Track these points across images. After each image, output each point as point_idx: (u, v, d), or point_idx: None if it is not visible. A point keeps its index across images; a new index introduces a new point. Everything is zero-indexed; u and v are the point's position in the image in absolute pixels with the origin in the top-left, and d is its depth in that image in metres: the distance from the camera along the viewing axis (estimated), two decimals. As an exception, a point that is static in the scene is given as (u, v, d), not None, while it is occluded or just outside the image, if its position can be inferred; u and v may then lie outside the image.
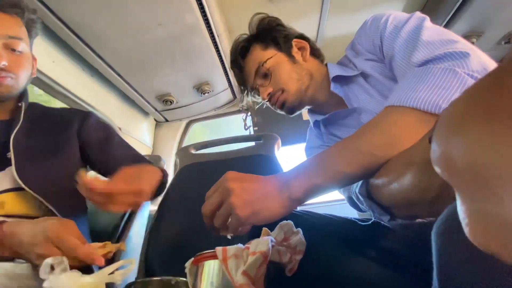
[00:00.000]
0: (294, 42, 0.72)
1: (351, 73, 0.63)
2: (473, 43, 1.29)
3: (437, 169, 0.13)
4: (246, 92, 0.80)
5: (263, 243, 0.34)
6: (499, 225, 0.11)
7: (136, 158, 0.77)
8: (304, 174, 0.40)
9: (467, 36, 1.26)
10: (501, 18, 1.21)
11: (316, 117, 0.73)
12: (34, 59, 0.73)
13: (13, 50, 0.64)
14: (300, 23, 1.32)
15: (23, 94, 0.73)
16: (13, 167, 0.62)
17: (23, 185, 0.60)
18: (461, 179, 0.12)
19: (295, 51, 0.72)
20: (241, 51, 0.76)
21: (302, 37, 0.75)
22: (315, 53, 0.75)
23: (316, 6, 1.26)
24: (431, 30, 0.49)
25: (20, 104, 0.70)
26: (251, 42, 0.75)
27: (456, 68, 0.39)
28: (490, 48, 1.37)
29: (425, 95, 0.38)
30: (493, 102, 0.11)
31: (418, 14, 0.54)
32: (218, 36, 1.20)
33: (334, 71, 0.65)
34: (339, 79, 0.65)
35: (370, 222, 0.49)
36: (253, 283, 0.30)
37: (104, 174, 0.76)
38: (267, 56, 0.71)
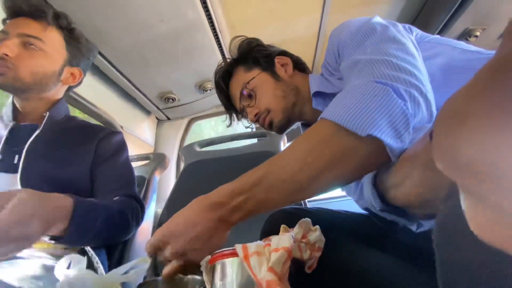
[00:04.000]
0: (277, 59, 0.71)
1: (331, 90, 0.60)
2: (476, 37, 1.29)
3: (439, 165, 0.13)
4: (234, 115, 0.80)
5: (285, 239, 0.33)
6: (502, 219, 0.11)
7: (124, 184, 0.74)
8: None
9: (470, 30, 1.26)
10: (504, 12, 1.21)
11: None
12: (75, 71, 0.79)
13: (28, 45, 0.68)
14: (302, 19, 1.32)
15: (56, 106, 0.76)
16: (19, 173, 0.64)
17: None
18: (463, 174, 0.12)
19: (278, 68, 0.70)
20: (224, 75, 0.76)
21: (284, 53, 0.74)
22: (300, 67, 0.73)
23: (318, 2, 1.25)
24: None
25: (45, 114, 0.73)
26: (234, 66, 0.75)
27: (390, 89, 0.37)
28: (493, 42, 1.37)
29: (349, 112, 0.37)
30: (492, 97, 0.10)
31: (373, 22, 0.49)
32: (220, 32, 1.19)
33: (315, 85, 0.63)
34: (320, 95, 0.63)
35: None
36: (279, 279, 0.29)
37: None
38: (250, 77, 0.70)
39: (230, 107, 0.78)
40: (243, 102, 0.71)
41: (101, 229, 0.58)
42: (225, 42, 1.24)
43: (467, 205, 0.13)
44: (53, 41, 0.72)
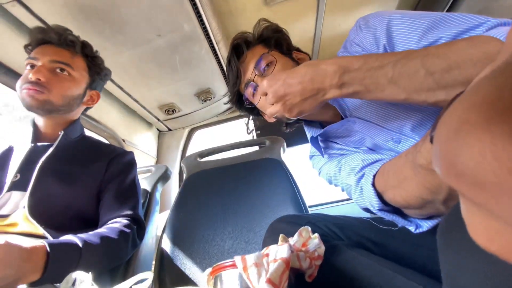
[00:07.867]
0: (294, 53, 0.73)
1: None
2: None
3: (438, 171, 0.13)
4: (235, 89, 0.75)
5: (283, 249, 0.33)
6: (499, 227, 0.11)
7: (125, 204, 0.74)
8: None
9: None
10: (498, 7, 1.21)
11: (312, 132, 0.70)
12: (94, 93, 0.86)
13: (58, 71, 0.75)
14: (297, 25, 1.33)
15: (72, 125, 0.81)
16: (28, 190, 0.66)
17: (26, 210, 0.63)
18: (461, 182, 0.12)
19: (294, 57, 0.72)
20: (245, 41, 0.74)
21: (301, 51, 0.76)
22: None
23: (312, 6, 1.26)
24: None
25: (60, 133, 0.78)
26: (255, 40, 0.74)
27: None
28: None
29: None
30: (492, 106, 0.11)
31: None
32: (217, 43, 1.20)
33: None
34: None
35: (386, 220, 0.48)
36: (277, 291, 0.29)
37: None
38: (270, 53, 0.70)
39: (236, 78, 0.73)
40: (256, 71, 0.69)
41: (87, 264, 0.57)
42: (222, 52, 1.26)
43: (464, 210, 0.13)
44: (79, 67, 0.79)
